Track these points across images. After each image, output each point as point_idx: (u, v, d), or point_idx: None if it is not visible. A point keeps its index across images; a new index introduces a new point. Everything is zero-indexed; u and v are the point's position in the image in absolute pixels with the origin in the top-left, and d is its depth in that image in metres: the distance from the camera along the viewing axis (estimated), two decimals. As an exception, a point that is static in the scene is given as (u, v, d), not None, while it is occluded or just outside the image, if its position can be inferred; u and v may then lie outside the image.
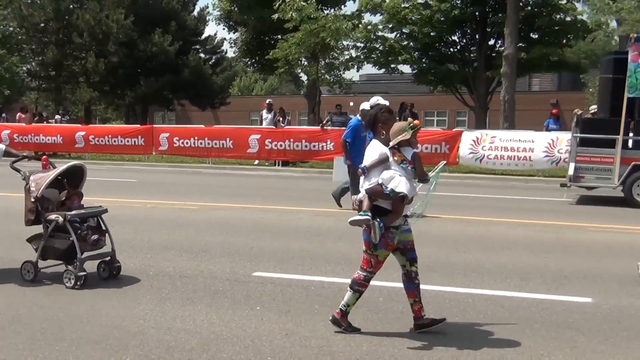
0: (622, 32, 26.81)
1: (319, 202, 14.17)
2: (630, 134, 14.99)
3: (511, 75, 24.46)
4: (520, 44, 28.01)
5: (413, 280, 5.94)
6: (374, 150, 5.81)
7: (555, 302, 6.96)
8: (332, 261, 8.67)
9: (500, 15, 28.50)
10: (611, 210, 14.12)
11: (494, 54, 31.23)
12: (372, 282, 7.60)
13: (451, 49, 32.94)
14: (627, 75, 14.17)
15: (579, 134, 15.14)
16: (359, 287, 5.90)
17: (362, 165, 5.82)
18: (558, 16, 30.66)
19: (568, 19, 31.00)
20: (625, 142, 14.71)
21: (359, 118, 13.04)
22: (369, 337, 5.79)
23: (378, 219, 5.64)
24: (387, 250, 5.79)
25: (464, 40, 33.03)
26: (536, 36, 31.29)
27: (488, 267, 8.44)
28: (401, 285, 7.31)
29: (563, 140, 19.23)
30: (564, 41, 31.71)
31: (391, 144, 5.73)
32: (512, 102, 24.45)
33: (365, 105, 12.87)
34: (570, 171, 15.01)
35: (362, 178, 5.85)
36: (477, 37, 31.88)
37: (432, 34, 30.93)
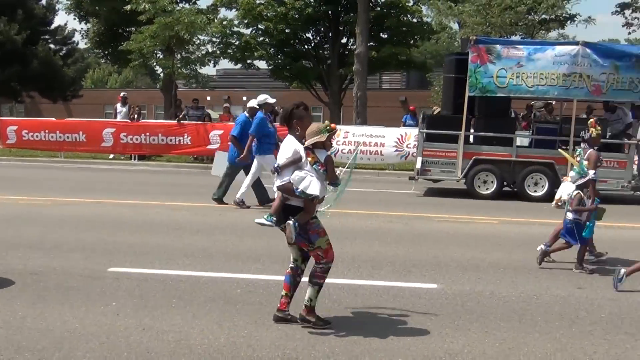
0: (463, 35, 28.13)
1: (176, 196, 13.95)
2: (472, 130, 15.81)
3: (363, 73, 25.07)
4: (371, 43, 28.77)
5: (296, 276, 6.01)
6: (289, 147, 5.80)
7: (404, 289, 7.23)
8: (190, 255, 8.56)
9: (352, 14, 29.12)
10: (455, 202, 14.82)
11: (346, 52, 31.87)
12: (228, 275, 7.60)
13: (306, 46, 33.31)
14: (468, 75, 14.88)
15: (425, 130, 15.77)
16: (317, 279, 5.84)
17: (276, 164, 5.83)
18: (405, 18, 31.76)
19: (415, 20, 32.21)
20: (467, 138, 15.47)
21: (247, 115, 13.04)
22: (227, 329, 5.78)
23: (292, 219, 5.64)
24: (323, 236, 5.82)
25: (318, 38, 33.52)
26: (386, 36, 32.25)
27: (342, 257, 8.61)
28: (258, 277, 7.36)
29: (411, 135, 19.94)
30: (411, 41, 32.90)
31: (306, 144, 5.74)
32: (364, 98, 25.08)
33: (253, 103, 12.95)
34: (418, 165, 15.60)
35: (275, 175, 5.85)
36: (330, 35, 32.43)
37: (287, 30, 31.14)
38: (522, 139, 16.06)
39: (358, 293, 7.01)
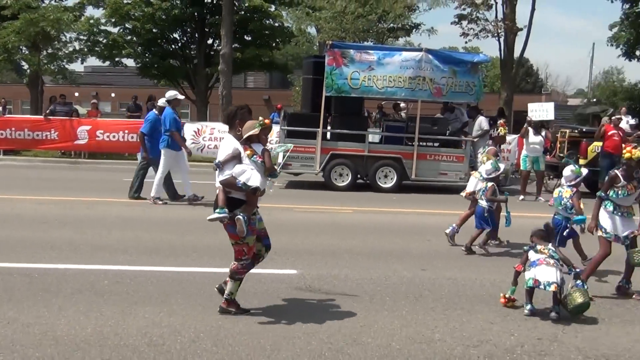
0: (321, 39, 28.66)
1: (44, 190, 13.24)
2: (328, 127, 16.07)
3: (228, 73, 24.84)
4: (236, 45, 28.55)
5: (256, 260, 6.05)
6: (228, 145, 5.74)
7: (266, 275, 7.25)
8: (57, 248, 8.16)
9: (217, 17, 28.74)
10: (314, 193, 15.02)
11: (212, 53, 31.44)
12: (95, 266, 7.33)
13: (173, 46, 32.56)
14: (325, 76, 15.12)
15: (286, 127, 15.87)
16: (239, 275, 5.83)
17: (217, 161, 5.75)
18: (268, 22, 31.78)
19: (276, 24, 32.29)
20: (324, 134, 15.72)
21: (156, 112, 12.63)
22: (94, 319, 5.57)
23: (241, 214, 5.57)
24: (253, 235, 5.81)
25: (185, 38, 32.83)
26: (249, 38, 32.10)
27: (207, 247, 8.51)
28: (126, 267, 7.16)
29: (273, 132, 19.97)
30: (273, 44, 32.94)
31: (243, 139, 5.71)
32: (229, 97, 24.85)
33: (162, 102, 12.55)
34: (280, 159, 15.68)
35: (217, 172, 5.74)
36: (196, 36, 31.87)
37: (154, 30, 30.31)
38: (373, 136, 16.51)
39: (221, 280, 6.95)
